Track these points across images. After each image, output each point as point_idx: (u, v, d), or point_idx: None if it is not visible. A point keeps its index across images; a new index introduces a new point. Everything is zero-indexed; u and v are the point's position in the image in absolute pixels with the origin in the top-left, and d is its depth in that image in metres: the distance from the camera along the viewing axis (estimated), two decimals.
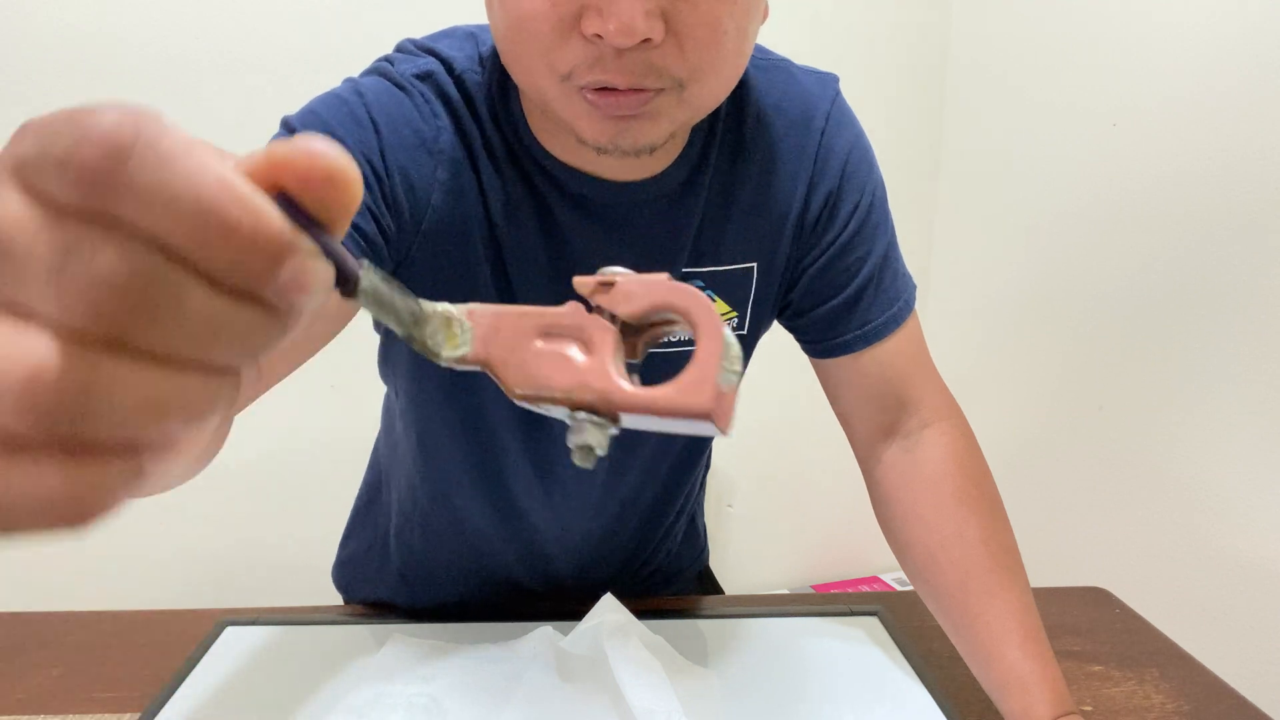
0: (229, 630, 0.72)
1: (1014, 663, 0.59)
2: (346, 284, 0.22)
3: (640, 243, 0.61)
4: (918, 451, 0.68)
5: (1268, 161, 1.06)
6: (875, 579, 1.80)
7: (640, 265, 0.62)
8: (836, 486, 1.73)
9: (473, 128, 0.58)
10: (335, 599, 0.88)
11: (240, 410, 0.39)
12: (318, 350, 0.53)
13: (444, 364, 0.25)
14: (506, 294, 0.61)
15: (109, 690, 0.66)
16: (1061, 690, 0.59)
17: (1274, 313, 1.06)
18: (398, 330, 0.24)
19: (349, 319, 0.55)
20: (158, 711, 0.62)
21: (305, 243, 0.19)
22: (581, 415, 0.24)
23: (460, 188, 0.58)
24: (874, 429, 0.71)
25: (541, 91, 0.50)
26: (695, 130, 0.61)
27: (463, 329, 0.25)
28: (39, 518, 0.18)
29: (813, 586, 1.81)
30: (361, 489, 0.88)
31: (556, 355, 0.25)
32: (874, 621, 0.75)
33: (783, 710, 0.63)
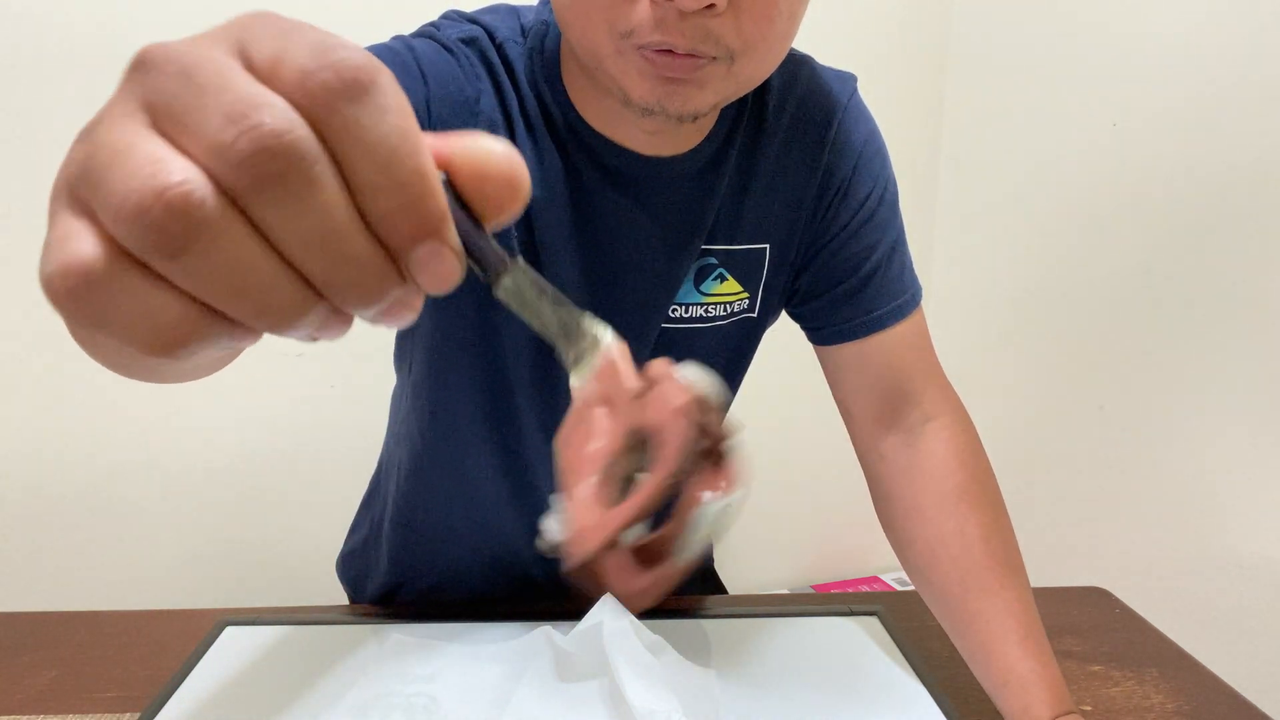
0: (229, 630, 0.72)
1: (1014, 662, 0.59)
2: (487, 276, 0.23)
3: (665, 217, 0.63)
4: (919, 446, 0.68)
5: (1268, 161, 1.05)
6: (875, 579, 1.80)
7: (663, 239, 0.64)
8: (836, 487, 1.73)
9: (511, 93, 0.60)
10: (336, 598, 0.88)
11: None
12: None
13: (572, 385, 0.26)
14: (532, 257, 0.63)
15: (109, 690, 0.66)
16: (1061, 690, 0.58)
17: (1274, 313, 1.06)
18: (541, 334, 0.24)
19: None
20: (158, 711, 0.61)
21: (452, 233, 0.21)
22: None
23: None
24: (874, 419, 0.71)
25: (596, 49, 0.52)
26: (724, 111, 0.63)
27: (592, 361, 0.25)
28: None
29: (813, 586, 1.80)
30: (369, 484, 0.89)
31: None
32: (874, 621, 0.75)
33: (782, 710, 0.63)
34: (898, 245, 0.70)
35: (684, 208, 0.64)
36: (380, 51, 0.57)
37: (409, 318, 0.22)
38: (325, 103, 0.19)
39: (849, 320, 0.69)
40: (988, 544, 0.64)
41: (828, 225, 0.68)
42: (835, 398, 0.74)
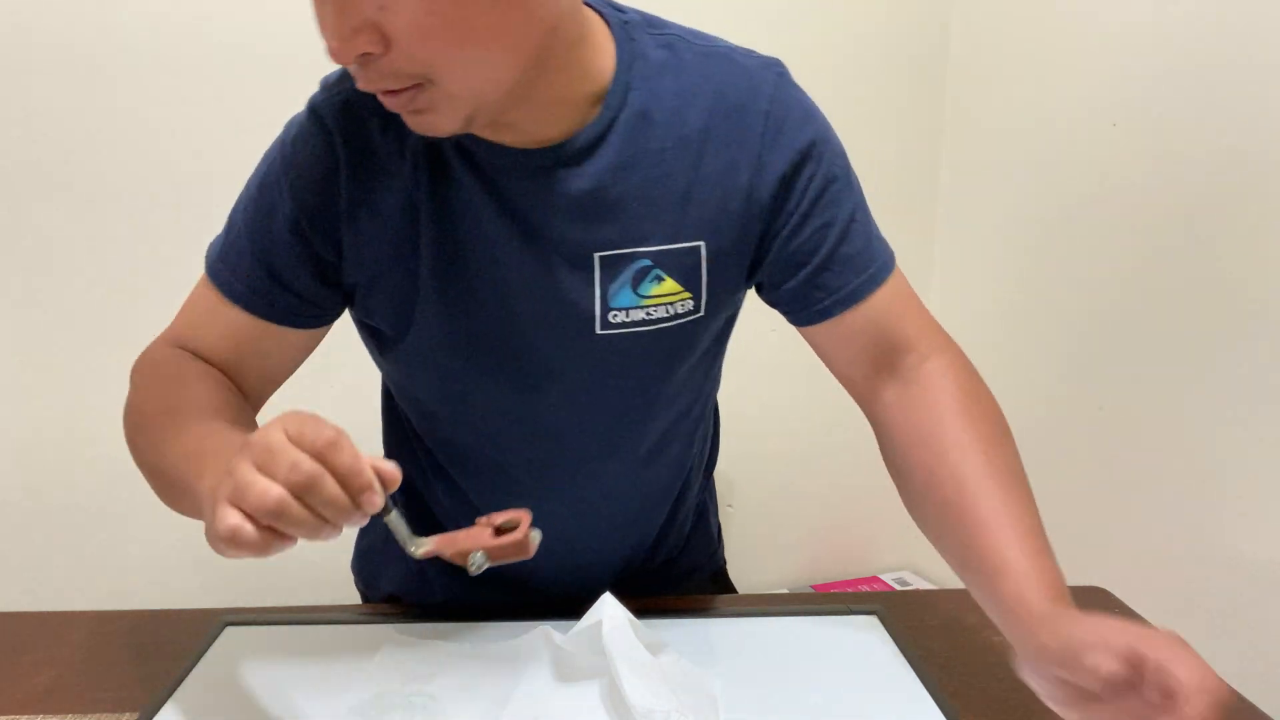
0: (229, 630, 0.72)
1: (1012, 557, 0.56)
2: (385, 514, 0.50)
3: (551, 223, 0.64)
4: (917, 383, 0.68)
5: (1267, 160, 1.06)
6: (875, 579, 1.80)
7: (557, 238, 0.64)
8: (836, 487, 1.73)
9: (379, 133, 0.63)
10: (335, 597, 0.88)
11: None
12: (292, 370, 0.72)
13: (415, 553, 0.54)
14: (442, 261, 0.65)
15: (109, 690, 0.66)
16: (1058, 582, 0.55)
17: (1274, 312, 1.06)
18: (405, 541, 0.54)
19: (312, 348, 0.71)
20: (157, 711, 0.62)
21: (375, 490, 0.48)
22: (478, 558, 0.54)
23: (374, 195, 0.64)
24: (871, 376, 0.71)
25: None
26: (606, 108, 0.63)
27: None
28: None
29: (813, 586, 1.81)
30: None
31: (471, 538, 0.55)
32: (874, 621, 0.75)
33: (783, 710, 0.63)
34: (856, 216, 0.68)
35: (569, 195, 0.63)
36: (265, 175, 0.65)
37: (362, 521, 0.49)
38: (319, 453, 0.46)
39: (823, 300, 0.68)
40: (988, 455, 0.62)
41: (774, 216, 0.67)
42: (831, 370, 0.74)
